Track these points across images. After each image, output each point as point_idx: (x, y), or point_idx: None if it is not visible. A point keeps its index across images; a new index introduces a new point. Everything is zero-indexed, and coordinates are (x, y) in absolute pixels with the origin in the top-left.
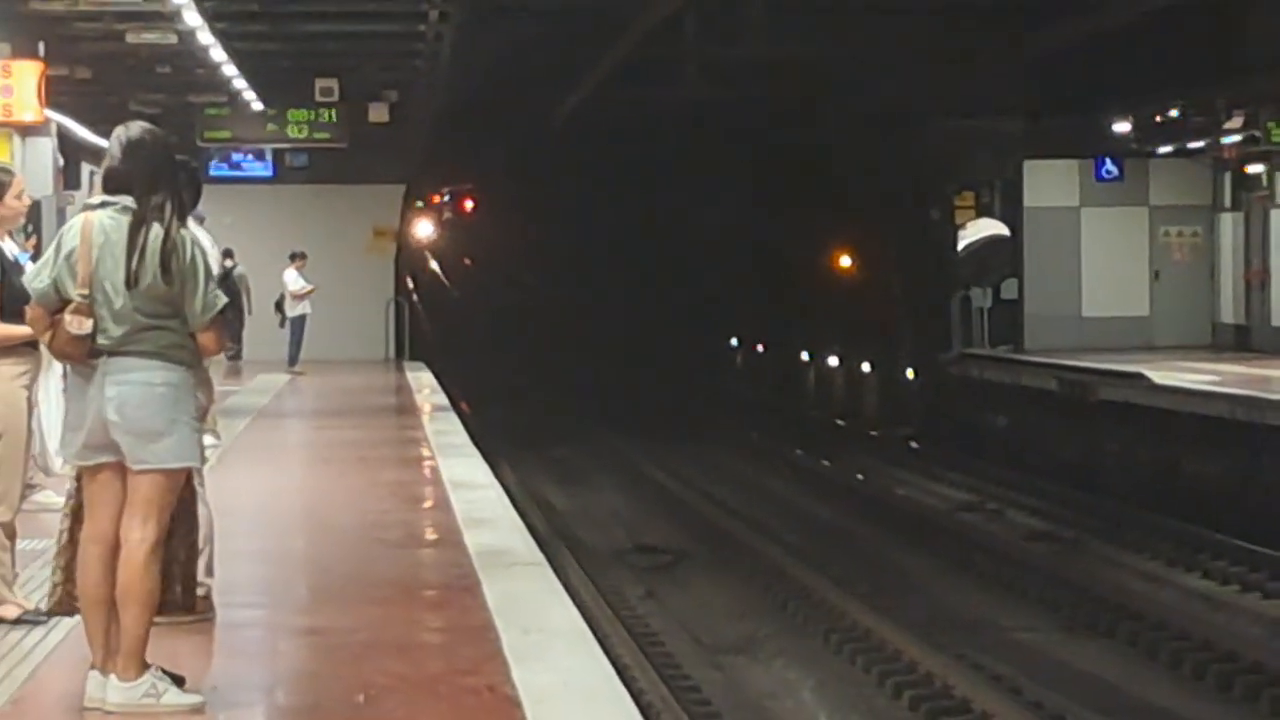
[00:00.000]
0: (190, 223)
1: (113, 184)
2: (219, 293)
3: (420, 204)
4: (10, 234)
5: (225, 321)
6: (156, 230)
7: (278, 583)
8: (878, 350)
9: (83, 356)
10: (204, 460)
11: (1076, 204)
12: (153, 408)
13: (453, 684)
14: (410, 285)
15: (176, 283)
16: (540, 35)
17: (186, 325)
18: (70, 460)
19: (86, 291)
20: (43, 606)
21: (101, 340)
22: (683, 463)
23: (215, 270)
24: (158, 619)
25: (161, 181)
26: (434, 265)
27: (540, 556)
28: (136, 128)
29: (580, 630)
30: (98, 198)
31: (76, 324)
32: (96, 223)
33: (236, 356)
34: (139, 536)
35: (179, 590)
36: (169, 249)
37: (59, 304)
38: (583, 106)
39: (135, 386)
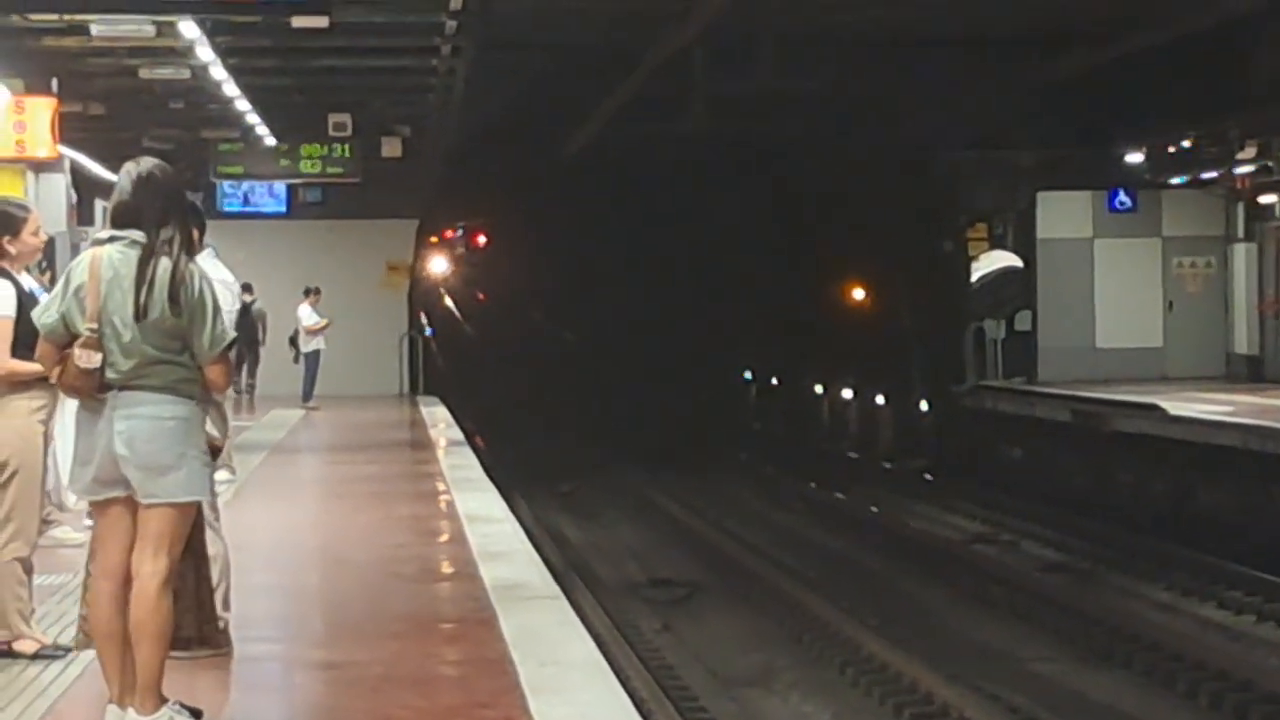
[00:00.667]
0: (208, 256)
1: (122, 218)
2: (227, 327)
3: (434, 239)
4: (28, 269)
5: (232, 357)
6: (165, 264)
7: (294, 617)
8: (891, 383)
9: (92, 391)
10: (216, 495)
11: (1090, 235)
12: (162, 442)
13: (470, 717)
14: (424, 321)
15: (185, 316)
16: (550, 70)
17: (195, 359)
18: (80, 495)
19: (95, 326)
20: (61, 641)
21: (110, 374)
22: (697, 496)
23: (236, 304)
24: (176, 653)
25: (171, 216)
26: (448, 302)
27: (556, 589)
28: (146, 163)
29: (597, 663)
30: (106, 232)
31: (85, 358)
32: (105, 257)
33: (251, 391)
34: (150, 570)
35: (196, 625)
36: (177, 282)
37: (68, 339)
38: (592, 141)
39: (144, 421)
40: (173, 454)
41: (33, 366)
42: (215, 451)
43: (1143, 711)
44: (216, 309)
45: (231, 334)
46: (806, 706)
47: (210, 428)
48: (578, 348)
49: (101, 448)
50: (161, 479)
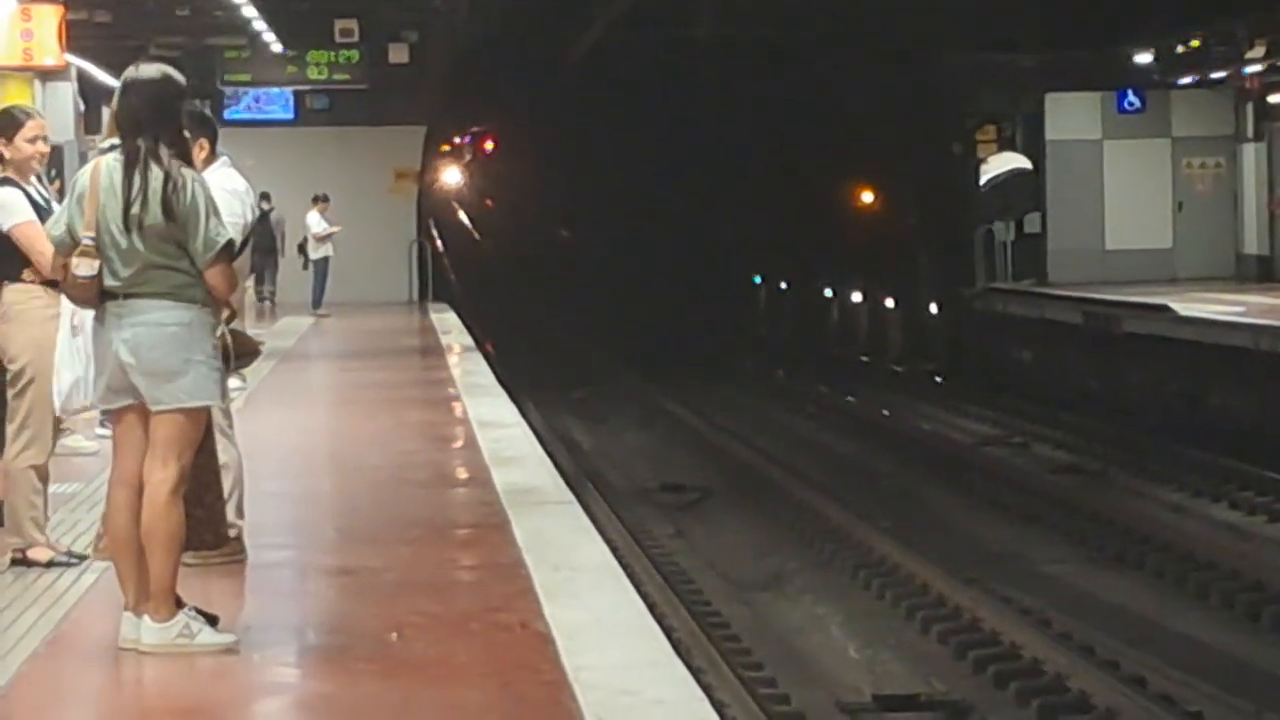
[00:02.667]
0: (222, 165)
1: (120, 126)
2: (222, 229)
3: (444, 147)
4: (39, 179)
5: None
6: (157, 171)
7: (308, 524)
8: (901, 286)
9: (93, 299)
10: (228, 400)
11: (1099, 136)
12: (166, 348)
13: (485, 621)
14: (434, 231)
15: (179, 223)
16: None
17: (194, 265)
18: (96, 404)
19: (93, 234)
20: (75, 549)
21: (111, 282)
22: (707, 401)
23: (251, 214)
24: (190, 559)
25: (162, 123)
26: (458, 211)
27: (569, 494)
28: (145, 68)
29: (610, 567)
30: (108, 141)
31: (85, 266)
32: (105, 166)
33: (271, 298)
34: (160, 477)
35: (207, 528)
36: (170, 190)
37: (74, 249)
38: (598, 45)
39: (147, 328)
40: (178, 359)
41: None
42: (254, 354)
43: (1154, 611)
44: (209, 213)
45: (226, 236)
46: (819, 610)
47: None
48: (587, 254)
49: (110, 357)
50: (168, 385)
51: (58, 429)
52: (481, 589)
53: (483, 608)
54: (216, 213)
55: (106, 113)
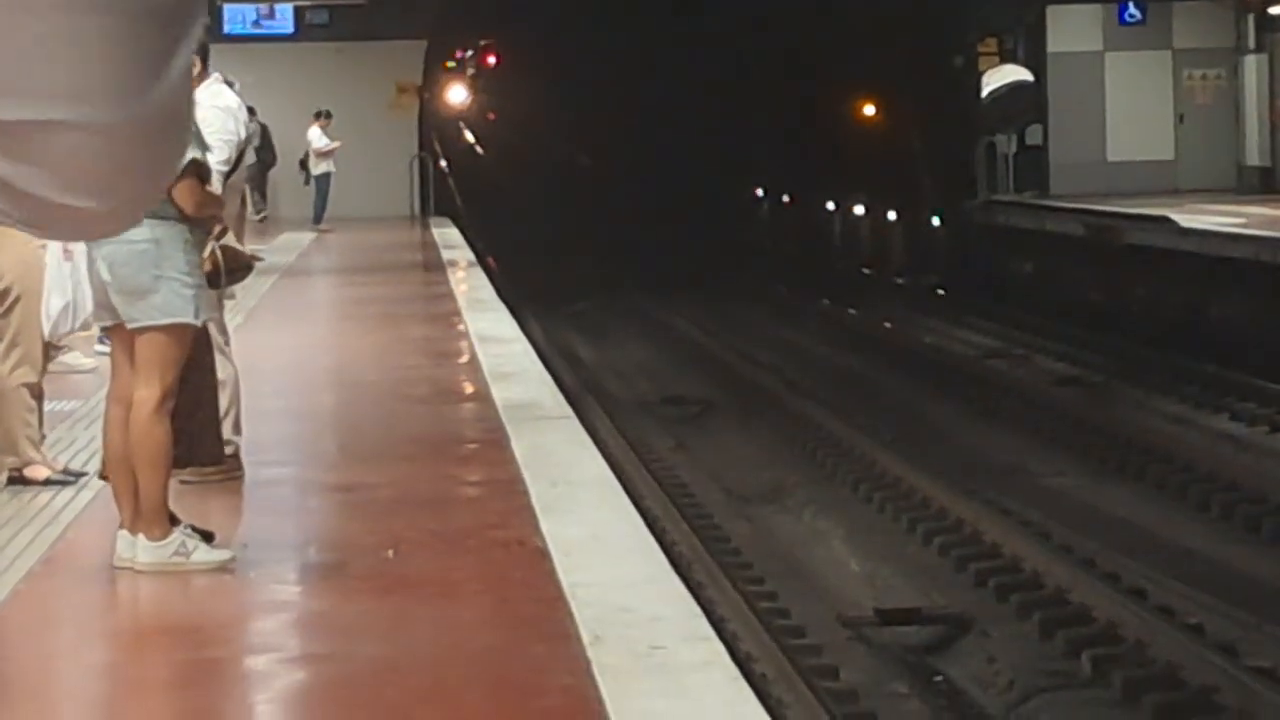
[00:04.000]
0: (213, 81)
1: None
2: (193, 147)
3: (447, 64)
4: None
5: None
6: None
7: (306, 440)
8: (903, 198)
9: None
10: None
11: (1100, 48)
12: (135, 264)
13: (482, 538)
14: (438, 149)
15: None
16: None
17: None
18: (95, 322)
19: None
20: (72, 466)
21: None
22: (709, 315)
23: (243, 131)
24: (187, 476)
25: None
26: (464, 130)
27: (568, 409)
28: None
29: (609, 481)
30: None
31: None
32: None
33: (261, 214)
34: (143, 395)
35: (200, 444)
36: None
37: None
38: None
39: (118, 245)
40: (147, 276)
41: None
42: (247, 269)
43: (1154, 524)
44: None
45: (191, 154)
46: (820, 523)
47: (233, 244)
48: (590, 168)
49: (95, 274)
50: (140, 302)
51: (48, 351)
52: (479, 505)
53: (480, 524)
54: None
55: None
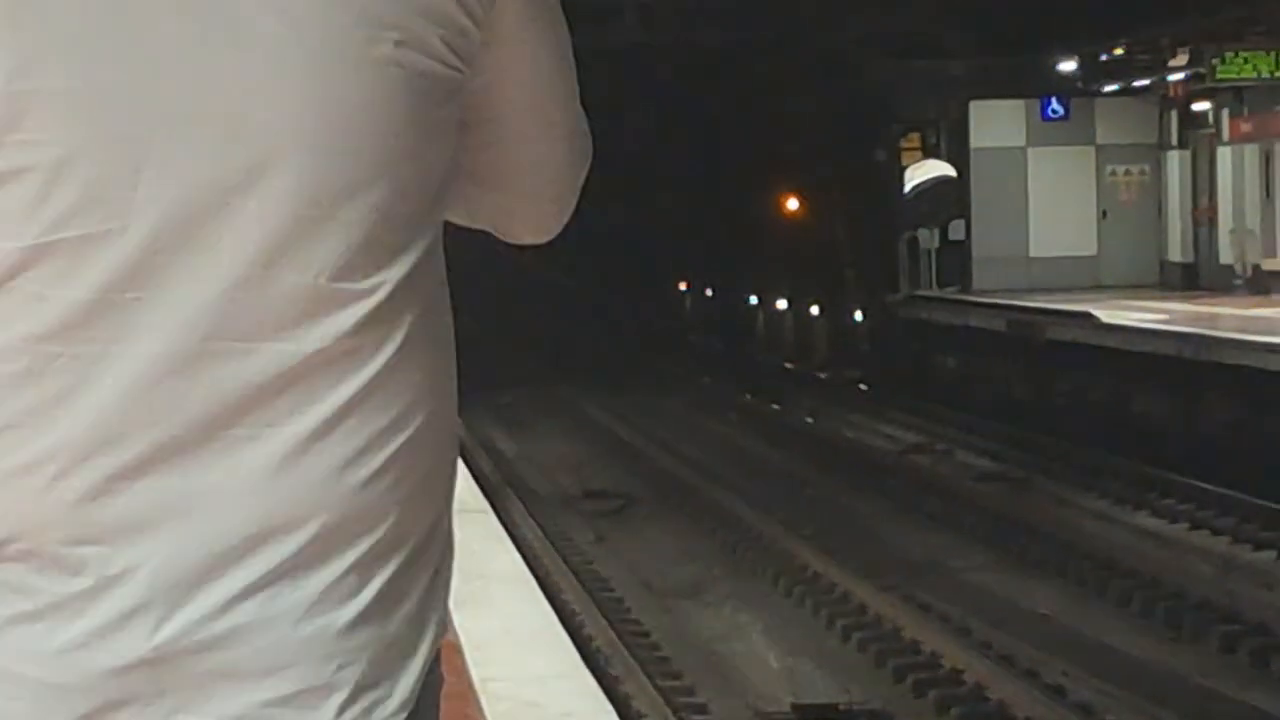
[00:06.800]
0: None
1: None
2: None
3: None
4: None
5: None
6: None
7: None
8: (826, 293)
9: None
10: None
11: (1023, 144)
12: None
13: None
14: None
15: None
16: None
17: None
18: None
19: None
20: None
21: None
22: (632, 408)
23: None
24: None
25: None
26: None
27: (484, 503)
28: None
29: (523, 575)
30: None
31: None
32: None
33: None
34: None
35: None
36: None
37: None
38: None
39: None
40: None
41: None
42: None
43: (1075, 619)
44: None
45: None
46: (740, 618)
47: None
48: (514, 263)
49: None
50: None
51: None
52: None
53: None
54: None
55: None
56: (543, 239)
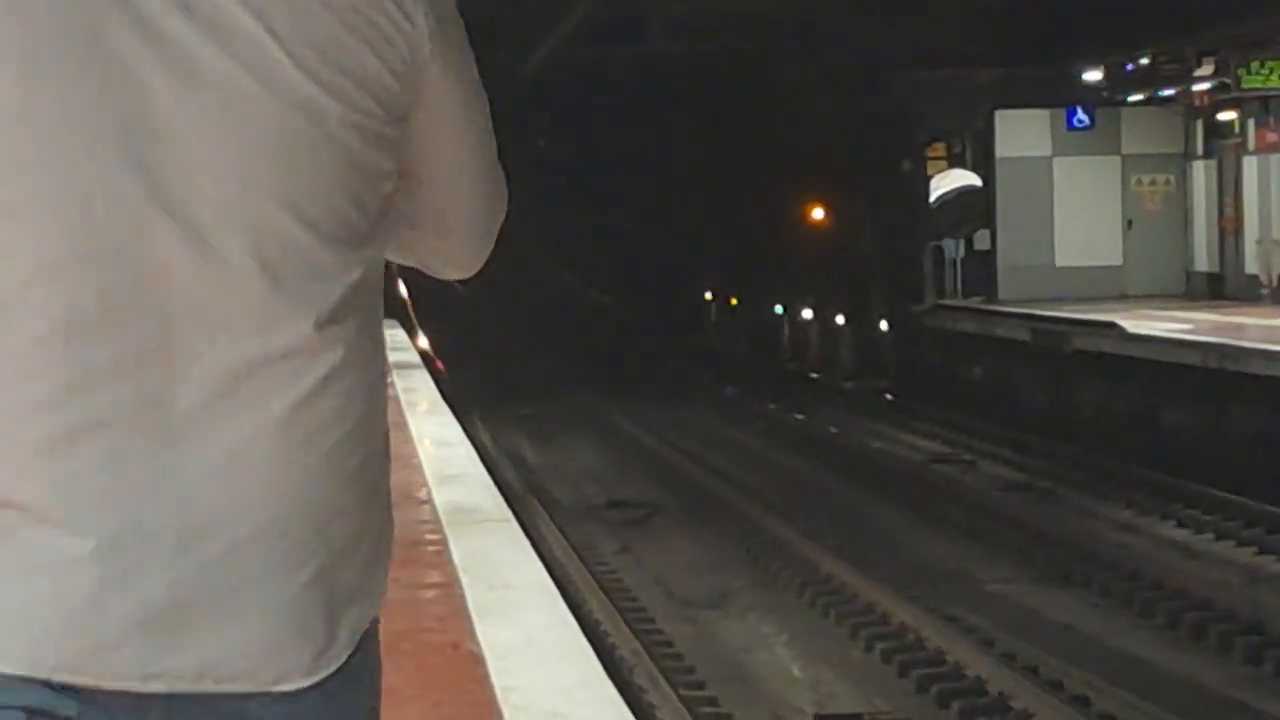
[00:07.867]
0: None
1: None
2: None
3: None
4: None
5: None
6: None
7: None
8: (851, 303)
9: None
10: None
11: (1049, 153)
12: None
13: (416, 641)
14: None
15: None
16: None
17: None
18: None
19: None
20: None
21: None
22: (657, 418)
23: None
24: None
25: None
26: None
27: (508, 513)
28: None
29: (546, 586)
30: None
31: None
32: None
33: None
34: None
35: None
36: None
37: None
38: (548, 63)
39: None
40: None
41: None
42: None
43: (1099, 631)
44: None
45: None
46: (764, 628)
47: None
48: (539, 271)
49: None
50: None
51: None
52: (415, 609)
53: (415, 628)
54: None
55: None
56: (465, 275)
